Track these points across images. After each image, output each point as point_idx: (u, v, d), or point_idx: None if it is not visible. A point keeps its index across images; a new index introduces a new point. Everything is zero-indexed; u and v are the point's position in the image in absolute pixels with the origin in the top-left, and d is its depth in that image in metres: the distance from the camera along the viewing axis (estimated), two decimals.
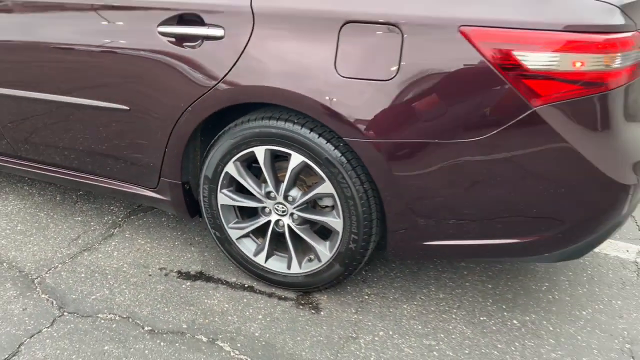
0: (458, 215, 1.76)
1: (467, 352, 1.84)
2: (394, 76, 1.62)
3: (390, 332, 1.91)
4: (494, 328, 1.95)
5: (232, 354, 1.80)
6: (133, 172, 2.19)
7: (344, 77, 1.66)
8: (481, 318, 1.99)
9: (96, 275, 2.18)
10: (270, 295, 2.09)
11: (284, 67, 1.73)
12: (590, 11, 1.53)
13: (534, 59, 1.52)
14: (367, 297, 2.09)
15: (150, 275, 2.18)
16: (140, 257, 2.30)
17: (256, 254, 2.09)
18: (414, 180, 1.72)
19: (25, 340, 1.85)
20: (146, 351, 1.80)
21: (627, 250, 2.44)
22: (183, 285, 2.13)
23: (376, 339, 1.88)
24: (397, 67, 1.61)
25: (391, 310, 2.02)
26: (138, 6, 1.90)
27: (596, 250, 2.41)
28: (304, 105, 1.73)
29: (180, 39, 1.85)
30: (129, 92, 1.99)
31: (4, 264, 2.25)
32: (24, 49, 2.14)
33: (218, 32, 1.79)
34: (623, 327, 1.96)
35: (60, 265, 2.24)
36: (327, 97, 1.68)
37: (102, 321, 1.93)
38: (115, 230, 2.49)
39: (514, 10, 1.54)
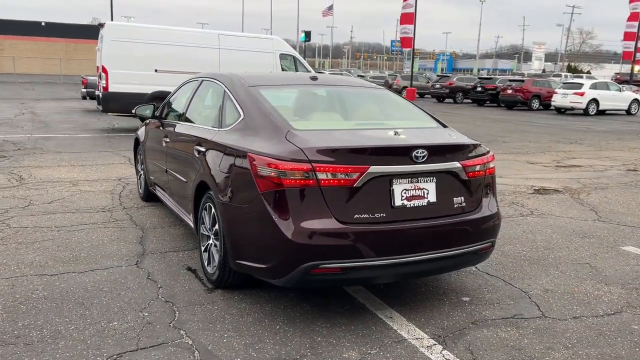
0: (241, 245, 3.42)
1: (250, 341, 3.36)
2: (230, 172, 3.54)
3: (228, 308, 3.58)
4: (294, 340, 3.38)
5: (159, 291, 3.82)
6: (188, 209, 4.51)
7: (220, 171, 3.66)
8: (288, 335, 3.43)
9: (175, 259, 4.52)
10: (204, 283, 4.00)
11: (209, 171, 3.82)
12: (289, 151, 3.18)
13: (262, 170, 3.24)
14: (239, 299, 3.77)
15: (176, 264, 4.38)
16: (187, 259, 4.53)
17: (205, 260, 4.06)
18: (229, 222, 3.51)
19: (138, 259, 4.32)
20: (145, 279, 4.01)
21: (428, 346, 3.25)
22: (181, 270, 4.25)
23: (216, 307, 3.59)
24: (231, 167, 3.54)
25: (251, 309, 3.66)
26: (193, 137, 4.33)
27: (410, 340, 3.36)
28: (212, 187, 3.77)
29: (198, 152, 4.16)
30: (188, 173, 4.39)
31: (156, 254, 4.83)
32: (170, 155, 4.83)
33: (203, 149, 4.04)
34: None
35: (166, 253, 4.67)
36: (215, 182, 3.70)
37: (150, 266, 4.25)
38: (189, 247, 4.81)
39: (263, 147, 3.32)
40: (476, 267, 4.46)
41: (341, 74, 49.88)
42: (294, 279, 3.17)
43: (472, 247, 3.51)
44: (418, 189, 3.34)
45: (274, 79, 4.42)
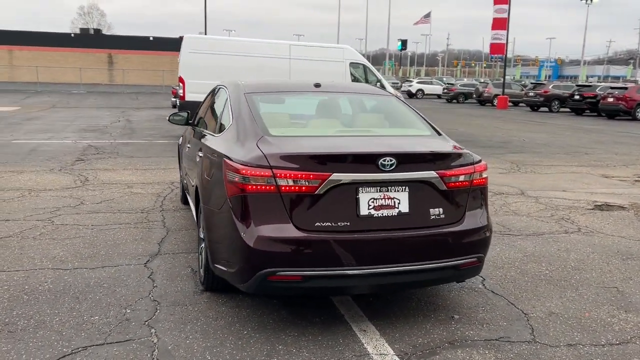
0: (216, 248, 3.47)
1: (212, 344, 3.41)
2: (211, 176, 3.61)
3: (207, 310, 3.64)
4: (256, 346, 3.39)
5: (153, 290, 3.96)
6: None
7: (205, 175, 3.75)
8: (251, 341, 3.44)
9: (183, 260, 4.68)
10: (197, 285, 4.09)
11: (201, 175, 3.92)
12: (253, 157, 3.20)
13: (230, 175, 3.28)
14: (222, 302, 3.81)
15: (181, 265, 4.52)
16: (194, 261, 4.65)
17: (199, 262, 4.15)
18: (207, 225, 3.57)
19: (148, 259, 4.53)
20: (146, 278, 4.18)
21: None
22: (183, 272, 4.37)
23: (196, 309, 3.66)
24: (213, 171, 3.60)
25: (228, 313, 3.71)
26: (199, 143, 4.46)
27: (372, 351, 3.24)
28: (199, 190, 3.86)
29: (199, 157, 4.27)
30: (194, 177, 4.52)
31: (168, 254, 5.03)
32: (189, 160, 5.00)
33: (202, 154, 4.15)
34: None
35: (178, 254, 4.85)
36: (201, 185, 3.79)
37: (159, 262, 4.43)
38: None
39: (235, 152, 3.35)
40: (482, 284, 4.19)
41: (431, 82, 48.78)
42: (254, 285, 3.16)
43: (452, 261, 3.30)
44: (388, 199, 3.20)
45: (274, 86, 4.45)
